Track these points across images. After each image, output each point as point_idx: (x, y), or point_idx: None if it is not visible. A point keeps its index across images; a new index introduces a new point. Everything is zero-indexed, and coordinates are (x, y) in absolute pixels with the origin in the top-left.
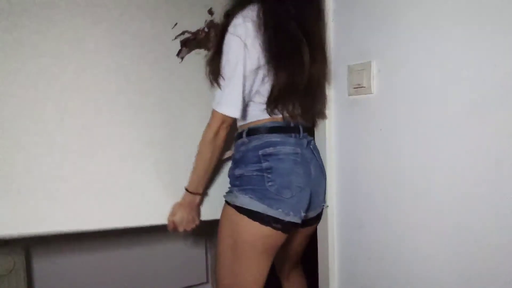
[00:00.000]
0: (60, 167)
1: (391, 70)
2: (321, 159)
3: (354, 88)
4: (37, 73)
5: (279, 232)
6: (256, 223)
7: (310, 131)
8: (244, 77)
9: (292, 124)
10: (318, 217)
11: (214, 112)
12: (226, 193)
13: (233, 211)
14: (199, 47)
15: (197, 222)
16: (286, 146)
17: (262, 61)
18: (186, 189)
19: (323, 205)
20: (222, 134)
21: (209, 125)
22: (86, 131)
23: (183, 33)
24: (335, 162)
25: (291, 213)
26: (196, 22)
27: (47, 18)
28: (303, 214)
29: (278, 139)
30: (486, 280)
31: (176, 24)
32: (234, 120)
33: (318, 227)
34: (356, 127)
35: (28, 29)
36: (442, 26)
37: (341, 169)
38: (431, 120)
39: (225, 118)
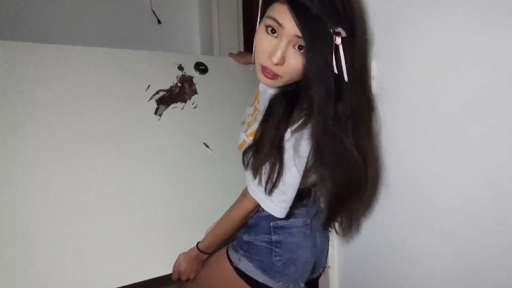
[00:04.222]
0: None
1: (391, 70)
2: None
3: None
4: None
5: None
6: None
7: None
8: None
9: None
10: (318, 276)
11: (253, 200)
12: (231, 247)
13: (232, 272)
14: (175, 101)
15: (199, 271)
16: (298, 218)
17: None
18: (197, 246)
19: (325, 266)
20: (252, 215)
21: (243, 206)
22: (85, 193)
23: (157, 92)
24: None
25: (291, 285)
26: (167, 80)
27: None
28: (302, 285)
29: (291, 210)
30: (487, 281)
31: (149, 86)
32: None
33: None
34: None
35: None
36: (442, 26)
37: None
38: (431, 120)
39: (258, 205)
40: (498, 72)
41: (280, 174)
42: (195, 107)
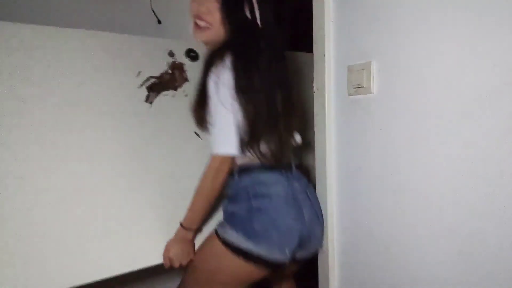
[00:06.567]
0: (51, 220)
1: (391, 70)
2: (318, 206)
3: (354, 88)
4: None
5: (261, 269)
6: (240, 260)
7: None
8: (234, 117)
9: (282, 163)
10: (311, 257)
11: (213, 156)
12: (219, 224)
13: (219, 244)
14: (166, 88)
15: (192, 256)
16: (277, 186)
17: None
18: (181, 224)
19: (319, 249)
20: (222, 175)
21: (209, 166)
22: (75, 181)
23: (148, 79)
24: (335, 162)
25: (276, 251)
26: (158, 67)
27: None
28: (288, 253)
29: (269, 178)
30: (488, 282)
31: (140, 72)
32: (233, 161)
33: None
34: (356, 127)
35: None
36: (442, 26)
37: (341, 169)
38: (431, 120)
39: (223, 159)
40: (498, 72)
41: (214, 112)
42: (186, 95)
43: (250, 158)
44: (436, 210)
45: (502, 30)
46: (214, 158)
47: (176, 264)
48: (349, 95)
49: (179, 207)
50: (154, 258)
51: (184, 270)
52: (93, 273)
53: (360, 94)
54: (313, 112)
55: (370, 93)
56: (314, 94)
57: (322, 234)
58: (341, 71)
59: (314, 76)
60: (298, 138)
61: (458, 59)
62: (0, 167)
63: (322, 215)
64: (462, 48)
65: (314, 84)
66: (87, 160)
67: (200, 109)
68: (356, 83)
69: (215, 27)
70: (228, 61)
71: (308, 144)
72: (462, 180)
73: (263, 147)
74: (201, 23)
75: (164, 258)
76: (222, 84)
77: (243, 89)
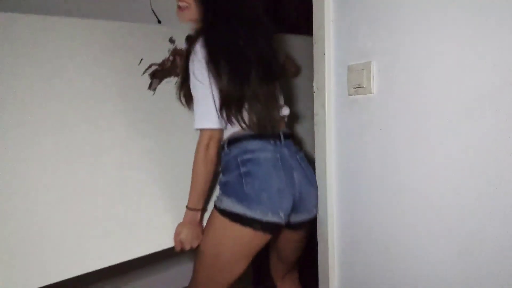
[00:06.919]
0: (58, 211)
1: (391, 70)
2: (310, 170)
3: (354, 88)
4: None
5: (259, 233)
6: (237, 225)
7: (297, 141)
8: (212, 93)
9: (271, 132)
10: (307, 224)
11: (200, 131)
12: (216, 198)
13: (218, 216)
14: (168, 75)
15: (201, 238)
16: (265, 152)
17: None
18: (187, 207)
19: (315, 213)
20: (212, 149)
21: (198, 143)
22: (75, 181)
23: (150, 66)
24: (335, 163)
25: (270, 213)
26: (160, 53)
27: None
28: (282, 215)
29: (256, 146)
30: (488, 282)
31: (142, 60)
32: (221, 133)
33: (317, 229)
34: (356, 127)
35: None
36: (442, 26)
37: (341, 169)
38: (431, 120)
39: (211, 133)
40: (498, 72)
41: (192, 88)
42: None
43: (238, 129)
44: (436, 210)
45: (502, 30)
46: (201, 134)
47: (187, 247)
48: (349, 95)
49: (182, 192)
50: (166, 243)
51: (195, 252)
52: (95, 265)
53: (360, 94)
54: (304, 88)
55: (370, 93)
56: (314, 94)
57: (317, 198)
58: (341, 71)
59: (314, 76)
60: (285, 109)
61: (458, 59)
62: (0, 167)
63: (315, 179)
64: (462, 48)
65: (314, 84)
66: (87, 160)
67: (186, 87)
68: (356, 83)
69: (192, 7)
70: (202, 38)
71: (298, 116)
72: (462, 180)
73: (246, 118)
74: (181, 4)
75: (175, 242)
76: (197, 60)
77: (214, 62)
